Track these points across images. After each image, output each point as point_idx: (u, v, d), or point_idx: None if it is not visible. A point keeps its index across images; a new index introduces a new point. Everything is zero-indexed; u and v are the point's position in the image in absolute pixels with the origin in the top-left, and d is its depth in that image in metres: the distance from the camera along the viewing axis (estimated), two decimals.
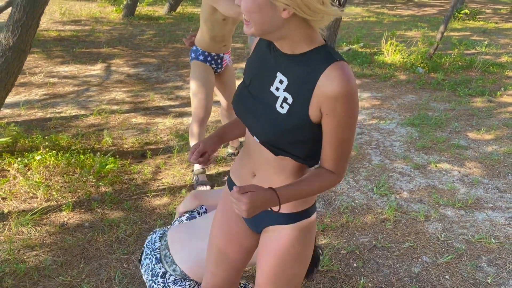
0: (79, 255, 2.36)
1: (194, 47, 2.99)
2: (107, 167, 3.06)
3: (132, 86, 5.38)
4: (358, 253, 2.47)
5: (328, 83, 1.07)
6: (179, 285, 1.75)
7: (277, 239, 1.31)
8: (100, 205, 2.81)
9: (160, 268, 1.78)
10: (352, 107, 1.10)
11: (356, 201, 2.99)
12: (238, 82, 5.59)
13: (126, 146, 3.69)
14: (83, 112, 4.44)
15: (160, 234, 1.92)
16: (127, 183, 3.10)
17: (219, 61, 3.03)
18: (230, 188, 1.42)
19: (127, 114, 4.42)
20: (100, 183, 3.01)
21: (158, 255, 1.82)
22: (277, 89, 1.17)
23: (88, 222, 2.64)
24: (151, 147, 3.68)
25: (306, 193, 1.19)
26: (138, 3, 10.69)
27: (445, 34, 6.90)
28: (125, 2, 10.81)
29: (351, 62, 6.38)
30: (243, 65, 6.34)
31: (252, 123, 1.21)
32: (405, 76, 5.98)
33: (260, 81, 1.21)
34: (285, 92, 1.15)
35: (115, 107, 4.57)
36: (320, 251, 2.04)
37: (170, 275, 1.76)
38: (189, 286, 1.76)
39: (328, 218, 2.78)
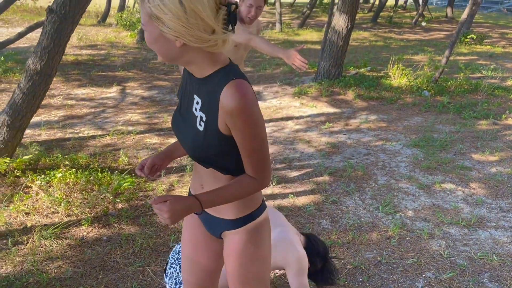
0: (98, 266, 2.49)
1: None
2: (124, 184, 3.22)
3: (146, 108, 5.59)
4: (363, 268, 2.57)
5: (225, 101, 1.18)
6: None
7: (231, 243, 1.44)
8: (117, 220, 2.95)
9: None
10: (251, 119, 1.19)
11: (362, 219, 3.10)
12: (262, 104, 5.81)
13: None
14: (99, 132, 4.64)
15: None
16: (142, 200, 3.25)
17: None
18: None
19: (142, 135, 4.61)
20: (117, 200, 3.16)
21: None
22: (196, 109, 1.28)
23: (106, 236, 2.78)
24: None
25: (229, 197, 1.29)
26: None
27: (451, 58, 7.07)
28: (139, 28, 11.20)
29: (358, 86, 6.55)
30: (261, 87, 6.55)
31: (182, 141, 1.35)
32: (411, 99, 6.13)
33: (185, 103, 1.34)
34: (201, 112, 1.27)
35: (130, 128, 4.77)
36: (333, 264, 2.16)
37: None
38: None
39: (335, 235, 2.88)
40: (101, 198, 3.16)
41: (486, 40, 12.10)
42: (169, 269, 1.97)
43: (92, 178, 3.33)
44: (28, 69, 3.07)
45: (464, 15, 6.80)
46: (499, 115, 5.42)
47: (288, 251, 1.93)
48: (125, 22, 12.97)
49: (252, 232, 1.42)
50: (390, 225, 3.01)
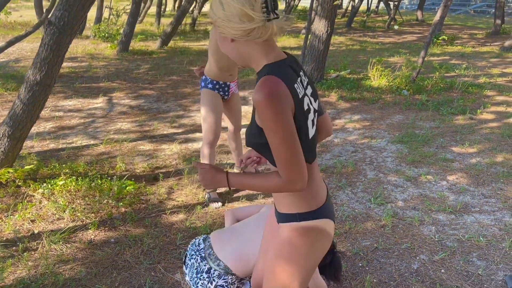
0: (110, 266, 2.58)
1: (203, 77, 3.31)
2: (127, 188, 3.31)
3: (136, 116, 5.67)
4: (362, 254, 2.73)
5: (253, 94, 1.25)
6: (223, 279, 1.99)
7: (276, 235, 1.49)
8: (122, 223, 3.04)
9: (205, 265, 2.02)
10: (269, 114, 1.22)
11: (356, 210, 3.27)
12: (243, 108, 5.89)
13: (138, 170, 3.94)
14: (92, 142, 4.70)
15: (203, 237, 2.17)
16: (144, 203, 3.34)
17: (226, 88, 3.35)
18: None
19: (135, 142, 4.69)
20: (120, 204, 3.25)
21: (203, 254, 2.06)
22: None
23: (113, 238, 2.87)
24: (162, 170, 3.94)
25: (255, 186, 1.34)
26: (131, 39, 11.10)
27: (426, 59, 7.39)
28: (119, 39, 11.23)
29: (340, 88, 6.78)
30: (246, 92, 6.70)
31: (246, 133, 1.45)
32: (391, 98, 6.39)
33: None
34: None
35: (122, 136, 4.84)
36: (341, 255, 2.31)
37: (215, 270, 2.00)
38: (231, 279, 2.00)
39: None
40: (104, 203, 3.24)
41: (456, 41, 12.61)
42: (189, 260, 2.09)
43: (93, 184, 3.41)
44: (28, 80, 3.14)
45: (437, 17, 7.14)
46: (474, 110, 5.72)
47: None
48: (103, 34, 12.96)
49: (292, 233, 1.42)
50: (383, 215, 3.19)
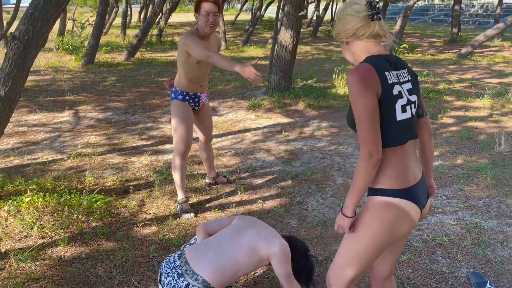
0: (82, 282, 2.54)
1: (173, 88, 3.34)
2: (97, 203, 3.27)
3: (104, 129, 5.60)
4: (333, 258, 2.80)
5: (347, 78, 1.60)
6: None
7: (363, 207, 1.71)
8: (93, 238, 3.00)
9: (182, 282, 2.02)
10: (351, 95, 1.53)
11: (327, 215, 3.35)
12: (213, 119, 5.91)
13: (108, 184, 3.90)
14: (59, 156, 4.61)
15: (178, 254, 2.18)
16: (115, 217, 3.31)
17: (196, 99, 3.38)
18: None
19: (104, 156, 4.63)
20: (90, 218, 3.20)
21: (179, 271, 2.06)
22: None
23: (84, 253, 2.83)
24: (132, 183, 3.91)
25: (357, 188, 1.56)
26: (97, 51, 10.95)
27: None
28: (84, 51, 11.06)
29: (308, 96, 6.94)
30: (215, 103, 6.73)
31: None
32: None
33: None
34: None
35: (90, 150, 4.77)
36: (314, 259, 2.37)
37: (193, 286, 2.00)
38: None
39: (304, 232, 3.11)
40: (74, 219, 3.19)
41: (417, 49, 13.11)
42: (165, 278, 2.08)
43: (61, 200, 3.35)
44: None
45: (397, 26, 7.43)
46: (435, 115, 5.97)
47: (271, 241, 2.12)
48: (67, 46, 12.73)
49: (374, 206, 1.61)
50: None
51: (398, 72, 1.62)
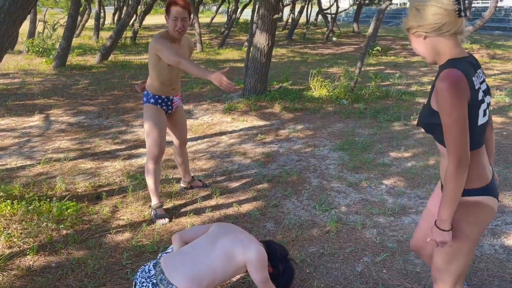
0: None
1: (145, 92, 3.28)
2: (68, 210, 3.18)
3: (75, 134, 5.46)
4: (309, 260, 2.80)
5: (436, 82, 1.57)
6: None
7: None
8: (64, 246, 2.91)
9: None
10: (447, 98, 1.52)
11: (302, 218, 3.36)
12: (188, 122, 5.86)
13: (80, 190, 3.80)
14: (29, 162, 4.47)
15: (153, 263, 2.12)
16: (87, 224, 3.22)
17: (169, 103, 3.33)
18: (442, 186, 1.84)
19: (75, 161, 4.51)
20: (61, 226, 3.11)
21: (154, 280, 2.01)
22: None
23: (54, 262, 2.74)
24: (105, 189, 3.82)
25: (451, 197, 1.58)
26: (68, 54, 10.71)
27: (362, 69, 7.75)
28: (55, 53, 10.79)
29: (283, 99, 6.95)
30: (191, 105, 6.66)
31: (419, 115, 1.78)
32: (332, 108, 6.64)
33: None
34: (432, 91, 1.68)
35: (61, 155, 4.65)
36: (294, 263, 2.36)
37: None
38: None
39: (280, 235, 3.10)
40: (43, 227, 3.09)
41: (390, 52, 13.34)
42: None
43: (30, 207, 3.24)
44: None
45: (371, 29, 7.54)
46: (408, 117, 6.08)
47: (247, 247, 2.09)
48: (37, 49, 12.41)
49: (460, 205, 1.65)
50: (328, 221, 3.30)
51: (477, 74, 1.65)
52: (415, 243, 2.09)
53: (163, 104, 3.29)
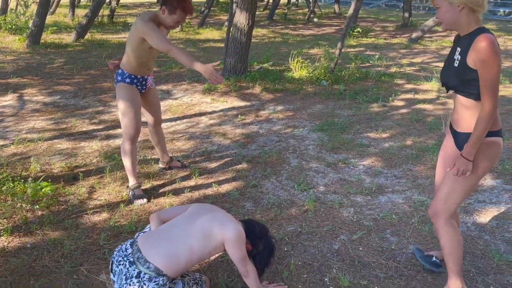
0: (27, 273, 2.43)
1: (120, 71, 3.20)
2: (43, 190, 3.12)
3: (51, 114, 5.33)
4: (287, 239, 2.84)
5: (476, 44, 1.89)
6: (154, 282, 1.94)
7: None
8: (39, 227, 2.87)
9: (134, 270, 1.96)
10: (489, 55, 1.85)
11: (281, 197, 3.38)
12: (167, 102, 5.77)
13: (56, 170, 3.73)
14: (1, 142, 4.35)
15: (130, 242, 2.10)
16: (63, 204, 3.17)
17: (144, 82, 3.27)
18: (450, 127, 2.25)
19: (51, 141, 4.42)
20: (36, 207, 3.05)
21: (131, 259, 2.00)
22: (455, 54, 2.05)
23: (30, 243, 2.70)
24: (82, 169, 3.76)
25: (479, 135, 1.96)
26: (42, 31, 10.37)
27: (343, 50, 7.75)
28: (28, 31, 10.43)
29: (264, 80, 6.92)
30: (170, 85, 6.56)
31: (444, 78, 2.12)
32: (312, 89, 6.64)
33: (450, 54, 2.12)
34: (459, 55, 2.02)
35: (36, 135, 4.54)
36: (274, 240, 2.37)
37: (145, 274, 1.95)
38: (163, 281, 1.96)
39: (258, 214, 3.12)
40: (18, 208, 3.03)
41: (370, 33, 13.37)
42: (117, 267, 2.02)
43: (4, 188, 3.17)
44: None
45: (351, 11, 7.52)
46: (387, 98, 6.14)
47: (225, 225, 2.10)
48: (10, 26, 11.96)
49: (482, 145, 2.01)
50: (306, 200, 3.33)
51: None
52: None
53: (138, 84, 3.23)
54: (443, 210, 2.16)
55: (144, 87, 3.29)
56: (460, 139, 2.12)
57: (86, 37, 11.36)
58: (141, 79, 3.23)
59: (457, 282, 2.25)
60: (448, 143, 2.27)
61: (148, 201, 3.27)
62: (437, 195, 2.20)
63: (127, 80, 3.17)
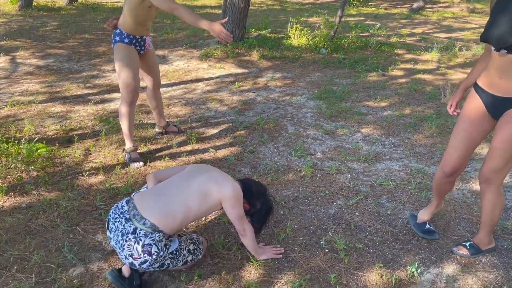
0: (23, 232, 2.42)
1: (117, 30, 3.10)
2: (37, 151, 3.08)
3: (44, 77, 5.23)
4: (284, 203, 2.84)
5: None
6: (150, 237, 1.94)
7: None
8: (34, 187, 2.85)
9: (130, 226, 1.95)
10: None
11: (278, 163, 3.36)
12: (163, 67, 5.67)
13: (50, 133, 3.68)
14: None
15: (126, 200, 2.09)
16: (58, 166, 3.14)
17: (142, 43, 3.18)
18: (476, 91, 2.13)
19: (45, 104, 4.35)
20: (31, 168, 3.02)
21: (127, 216, 1.99)
22: None
23: (25, 203, 2.68)
24: (77, 132, 3.72)
25: None
26: None
27: (342, 19, 7.60)
28: None
29: (262, 47, 6.79)
30: (166, 51, 6.43)
31: (495, 32, 1.91)
32: (310, 57, 6.54)
33: (501, 8, 1.92)
34: None
35: (30, 98, 4.46)
36: (273, 199, 2.36)
37: (141, 230, 1.94)
38: (159, 237, 1.96)
39: (255, 179, 3.09)
40: (12, 168, 3.00)
41: (371, 3, 13.11)
42: (113, 224, 2.01)
43: None
44: None
45: None
46: (386, 67, 6.06)
47: (222, 184, 2.08)
48: None
49: None
50: (303, 166, 3.32)
51: None
52: (454, 164, 2.28)
53: (137, 44, 3.14)
54: (496, 179, 2.14)
55: (143, 48, 3.21)
56: (503, 106, 2.01)
57: (79, 0, 11.07)
58: (139, 39, 3.15)
59: (486, 238, 2.36)
60: (476, 105, 2.14)
61: (144, 164, 3.25)
62: (489, 164, 2.12)
63: (126, 40, 3.08)
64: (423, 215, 2.59)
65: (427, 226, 2.55)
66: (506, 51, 1.89)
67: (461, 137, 2.21)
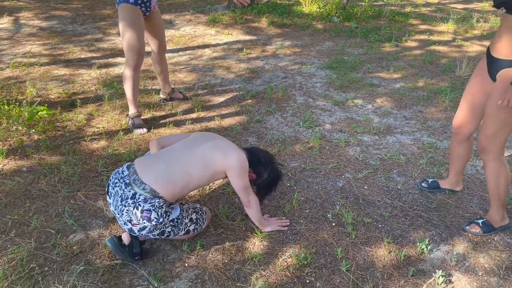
0: (22, 196, 2.37)
1: None
2: (39, 114, 3.00)
3: (47, 39, 5.10)
4: (290, 175, 2.76)
5: None
6: (149, 203, 1.87)
7: (504, 76, 1.94)
8: (35, 151, 2.78)
9: (129, 191, 1.88)
10: None
11: (285, 134, 3.26)
12: (169, 32, 5.51)
13: (53, 96, 3.59)
14: None
15: (127, 165, 2.01)
16: (60, 130, 3.07)
17: (148, 3, 3.03)
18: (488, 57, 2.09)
19: (48, 67, 4.24)
20: (32, 131, 2.95)
21: (127, 180, 1.91)
22: None
23: (25, 167, 2.62)
24: (80, 96, 3.62)
25: None
26: None
27: None
28: None
29: (272, 13, 6.57)
30: (172, 16, 6.24)
31: None
32: (322, 25, 6.32)
33: None
34: None
35: (33, 60, 4.35)
36: (281, 167, 2.28)
37: (140, 195, 1.87)
38: (159, 203, 1.89)
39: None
40: (13, 131, 2.93)
41: None
42: (113, 189, 1.94)
43: None
44: None
45: None
46: (400, 38, 5.85)
47: (227, 154, 2.00)
48: None
49: None
50: (311, 138, 3.22)
51: None
52: (458, 122, 2.33)
53: (142, 4, 2.99)
54: (492, 146, 2.10)
55: (148, 9, 3.06)
56: (496, 66, 1.99)
57: None
58: (145, 0, 3.00)
59: (497, 215, 2.28)
60: (481, 66, 2.16)
61: (148, 131, 3.16)
62: (484, 131, 2.11)
63: (131, 0, 2.94)
64: (443, 185, 2.63)
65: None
66: (505, 10, 1.91)
67: (467, 94, 2.26)
